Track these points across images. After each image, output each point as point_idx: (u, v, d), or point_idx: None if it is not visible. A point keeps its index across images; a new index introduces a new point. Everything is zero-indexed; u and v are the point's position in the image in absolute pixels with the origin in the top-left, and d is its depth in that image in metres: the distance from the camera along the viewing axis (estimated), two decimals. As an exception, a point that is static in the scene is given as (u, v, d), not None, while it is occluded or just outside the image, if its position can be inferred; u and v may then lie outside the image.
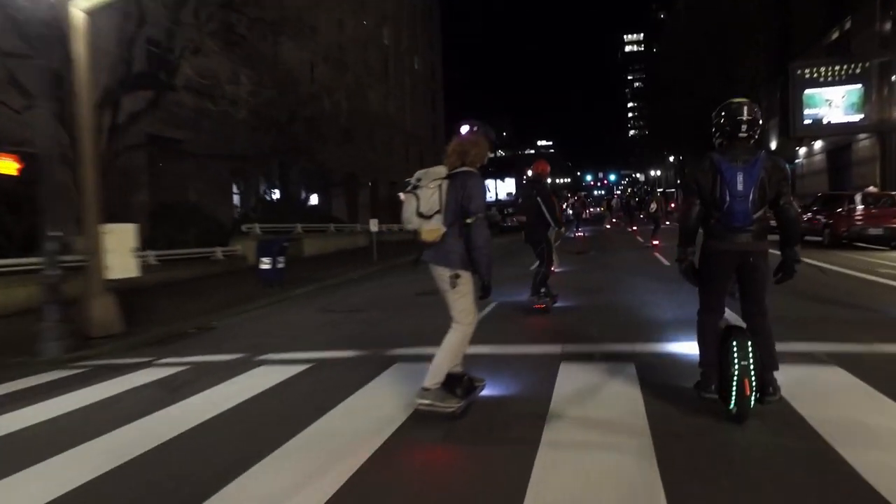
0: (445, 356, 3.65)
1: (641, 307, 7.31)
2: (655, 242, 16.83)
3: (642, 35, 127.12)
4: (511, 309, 7.55)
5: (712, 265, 3.40)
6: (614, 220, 37.83)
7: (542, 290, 7.34)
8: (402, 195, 3.88)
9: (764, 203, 3.22)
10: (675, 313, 6.61)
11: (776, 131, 29.75)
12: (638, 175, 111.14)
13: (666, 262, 12.32)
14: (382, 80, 35.80)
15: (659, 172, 74.57)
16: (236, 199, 24.89)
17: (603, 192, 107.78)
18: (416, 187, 3.65)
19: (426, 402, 3.59)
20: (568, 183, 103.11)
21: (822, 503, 2.44)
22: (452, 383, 3.67)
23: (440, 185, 3.60)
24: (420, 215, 3.59)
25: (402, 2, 45.65)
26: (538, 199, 7.22)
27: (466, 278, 3.64)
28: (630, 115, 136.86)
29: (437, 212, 3.57)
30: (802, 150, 28.09)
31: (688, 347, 4.77)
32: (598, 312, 7.20)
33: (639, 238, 21.24)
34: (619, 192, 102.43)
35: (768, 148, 27.75)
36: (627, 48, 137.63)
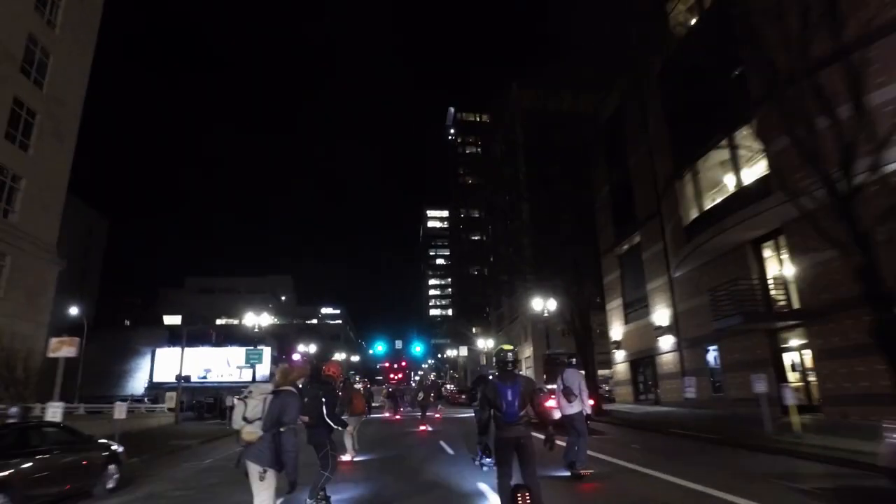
0: None
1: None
2: (423, 428, 19.55)
3: (447, 213, 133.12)
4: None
5: (500, 447, 5.46)
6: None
7: (321, 493, 7.14)
8: (234, 400, 5.11)
9: (524, 407, 5.41)
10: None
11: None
12: (455, 353, 79.59)
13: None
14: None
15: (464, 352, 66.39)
16: None
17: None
18: (245, 396, 5.00)
19: None
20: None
21: None
22: None
23: (265, 399, 4.93)
24: (245, 419, 4.89)
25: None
26: (323, 399, 7.35)
27: (272, 475, 4.83)
28: (432, 292, 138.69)
29: (259, 419, 4.86)
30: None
31: None
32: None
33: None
34: (419, 374, 78.02)
35: (524, 373, 25.62)
36: (430, 224, 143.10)
